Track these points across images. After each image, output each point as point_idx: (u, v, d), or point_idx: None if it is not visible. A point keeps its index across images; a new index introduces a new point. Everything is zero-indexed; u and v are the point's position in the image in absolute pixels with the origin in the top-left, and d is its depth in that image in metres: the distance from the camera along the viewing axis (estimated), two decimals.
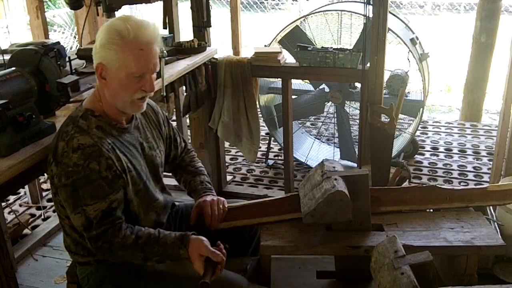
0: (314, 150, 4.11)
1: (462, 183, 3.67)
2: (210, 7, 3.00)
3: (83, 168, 1.51)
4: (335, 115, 3.90)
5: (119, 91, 1.59)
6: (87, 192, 1.53)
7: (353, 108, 4.05)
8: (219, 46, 3.28)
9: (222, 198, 1.89)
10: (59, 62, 1.87)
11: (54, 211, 3.32)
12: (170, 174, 2.05)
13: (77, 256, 1.72)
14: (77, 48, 2.76)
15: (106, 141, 1.58)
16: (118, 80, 1.57)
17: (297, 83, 3.95)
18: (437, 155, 4.15)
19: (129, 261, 1.62)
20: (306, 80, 3.92)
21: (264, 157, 4.12)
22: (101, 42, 1.55)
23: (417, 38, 3.78)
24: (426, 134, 4.60)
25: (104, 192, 1.55)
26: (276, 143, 4.19)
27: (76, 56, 2.59)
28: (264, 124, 3.94)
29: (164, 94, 2.58)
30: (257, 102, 3.32)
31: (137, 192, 1.68)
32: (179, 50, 2.85)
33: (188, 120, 3.32)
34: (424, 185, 2.03)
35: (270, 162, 4.09)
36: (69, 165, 1.52)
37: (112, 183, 1.57)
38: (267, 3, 10.71)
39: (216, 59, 3.08)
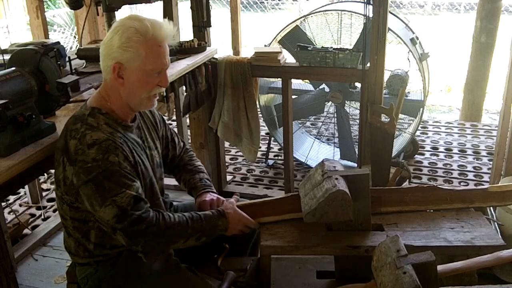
0: (314, 150, 4.11)
1: (462, 183, 3.67)
2: (210, 7, 3.00)
3: (103, 162, 1.51)
4: (335, 115, 3.90)
5: (137, 89, 1.61)
6: (113, 183, 1.52)
7: (353, 108, 4.05)
8: (219, 46, 3.28)
9: (221, 198, 1.90)
10: (59, 62, 1.87)
11: (54, 211, 3.33)
12: (170, 174, 2.05)
13: (77, 258, 1.72)
14: (77, 48, 2.76)
15: (117, 135, 1.60)
16: (137, 77, 1.59)
17: (297, 83, 3.95)
18: (437, 155, 4.15)
19: (167, 246, 1.64)
20: (306, 80, 3.92)
21: (264, 157, 4.12)
22: (120, 42, 1.56)
23: (417, 38, 3.78)
24: (426, 134, 4.60)
25: (129, 180, 1.55)
26: (276, 143, 4.19)
27: (76, 56, 2.59)
28: (264, 124, 3.94)
29: (164, 94, 2.58)
30: (257, 102, 3.32)
31: (144, 187, 1.68)
32: (179, 50, 2.85)
33: (188, 120, 3.32)
34: (425, 186, 2.03)
35: (270, 162, 4.09)
36: (87, 161, 1.51)
37: (132, 172, 1.58)
38: (267, 3, 10.71)
39: (216, 59, 3.08)
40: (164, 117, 2.01)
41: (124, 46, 1.55)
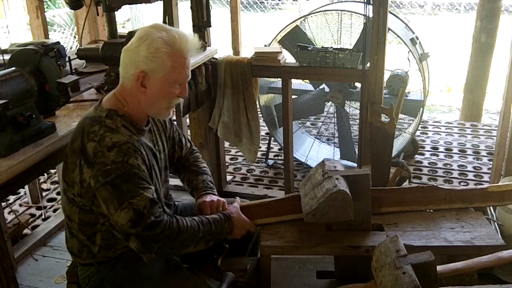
0: (314, 150, 4.11)
1: (462, 183, 3.67)
2: (210, 7, 3.00)
3: (122, 164, 1.51)
4: (335, 115, 3.90)
5: (158, 99, 1.63)
6: (132, 185, 1.52)
7: (353, 108, 4.05)
8: (219, 46, 3.28)
9: (222, 199, 1.89)
10: (59, 62, 1.87)
11: (54, 211, 3.33)
12: (174, 174, 2.05)
13: (79, 259, 1.72)
14: (77, 48, 2.76)
15: (134, 138, 1.60)
16: (160, 88, 1.60)
17: (297, 83, 3.95)
18: (437, 155, 4.15)
19: (179, 250, 1.64)
20: (306, 80, 3.92)
21: (264, 157, 4.12)
22: (147, 51, 1.56)
23: (417, 38, 3.78)
24: (426, 134, 4.60)
25: (146, 183, 1.56)
26: (276, 143, 4.19)
27: (76, 56, 2.59)
28: (264, 124, 3.94)
29: None
30: (257, 102, 3.32)
31: (155, 190, 1.68)
32: None
33: (188, 120, 3.32)
34: (424, 186, 2.03)
35: (270, 162, 4.09)
36: (106, 163, 1.50)
37: (148, 176, 1.59)
38: (267, 3, 10.71)
39: (216, 59, 3.08)
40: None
41: (151, 56, 1.56)
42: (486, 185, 2.04)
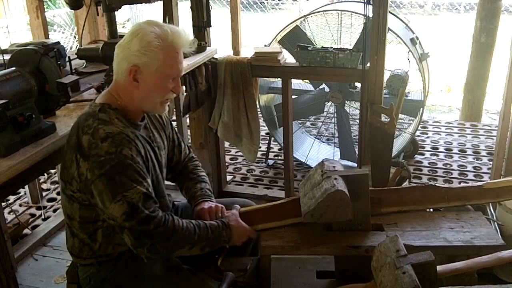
0: (314, 150, 4.11)
1: (462, 183, 3.66)
2: (210, 7, 2.99)
3: (116, 155, 1.51)
4: (335, 115, 3.90)
5: (151, 93, 1.63)
6: (126, 178, 1.52)
7: (353, 108, 4.05)
8: (219, 46, 3.28)
9: (220, 205, 1.88)
10: (59, 62, 1.87)
11: (54, 211, 3.33)
12: (172, 182, 2.05)
13: (80, 259, 1.72)
14: (77, 48, 2.76)
15: (128, 130, 1.61)
16: (153, 82, 1.61)
17: (297, 83, 3.95)
18: (437, 155, 4.15)
19: (172, 251, 1.62)
20: (306, 80, 3.92)
21: (264, 157, 4.12)
22: (139, 45, 1.56)
23: (417, 38, 3.78)
24: (426, 134, 4.60)
25: (140, 176, 1.55)
26: (276, 143, 4.19)
27: (76, 56, 2.59)
28: (264, 124, 3.94)
29: None
30: (257, 102, 3.32)
31: (152, 184, 1.67)
32: None
33: (188, 120, 3.32)
34: (423, 185, 2.03)
35: (270, 162, 4.09)
36: (100, 155, 1.51)
37: (143, 168, 1.58)
38: (267, 3, 10.71)
39: (216, 59, 3.08)
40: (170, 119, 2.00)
41: (144, 50, 1.56)
42: (482, 182, 2.05)
